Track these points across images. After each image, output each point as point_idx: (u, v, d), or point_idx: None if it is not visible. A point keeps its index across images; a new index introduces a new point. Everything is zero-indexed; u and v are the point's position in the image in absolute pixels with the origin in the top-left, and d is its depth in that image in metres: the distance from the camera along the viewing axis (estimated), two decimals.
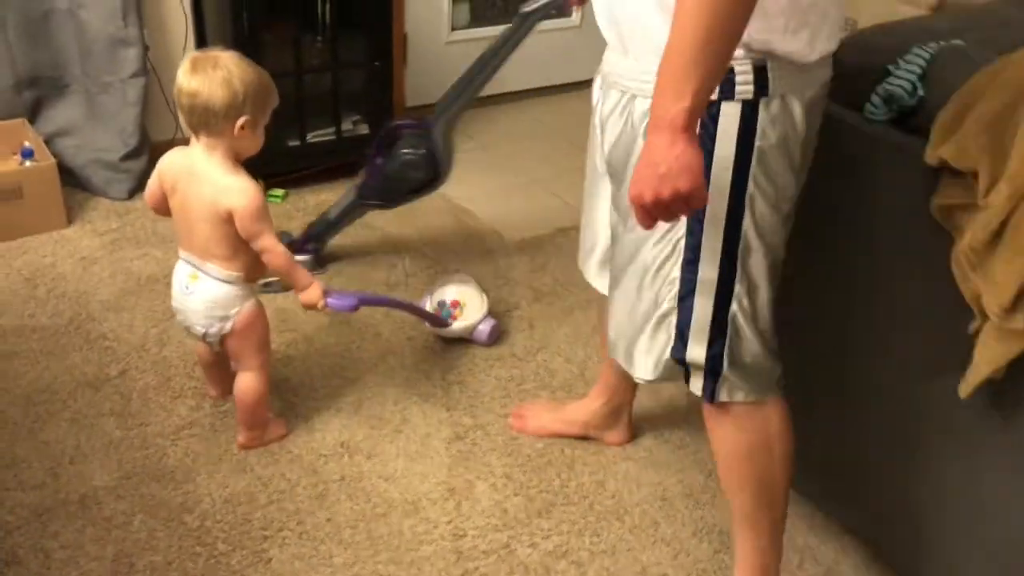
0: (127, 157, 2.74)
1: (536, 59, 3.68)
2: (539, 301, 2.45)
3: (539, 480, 1.87)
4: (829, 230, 1.55)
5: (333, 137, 2.88)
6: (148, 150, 2.81)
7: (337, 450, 1.91)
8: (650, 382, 1.45)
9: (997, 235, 1.27)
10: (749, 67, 1.23)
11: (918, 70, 1.43)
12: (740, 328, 1.36)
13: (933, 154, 1.33)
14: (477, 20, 3.54)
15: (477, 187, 3.02)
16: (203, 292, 1.78)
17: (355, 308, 1.84)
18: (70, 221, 2.63)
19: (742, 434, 1.46)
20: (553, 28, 3.69)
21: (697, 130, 1.13)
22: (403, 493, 1.82)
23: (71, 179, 2.75)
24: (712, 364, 1.37)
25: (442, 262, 2.58)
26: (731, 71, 1.22)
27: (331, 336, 2.25)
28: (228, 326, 1.79)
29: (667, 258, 1.33)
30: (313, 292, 1.78)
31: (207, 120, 1.66)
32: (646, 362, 1.43)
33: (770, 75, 1.24)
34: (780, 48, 1.23)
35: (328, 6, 2.77)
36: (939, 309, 1.43)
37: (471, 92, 2.26)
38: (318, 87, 2.87)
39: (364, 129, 2.95)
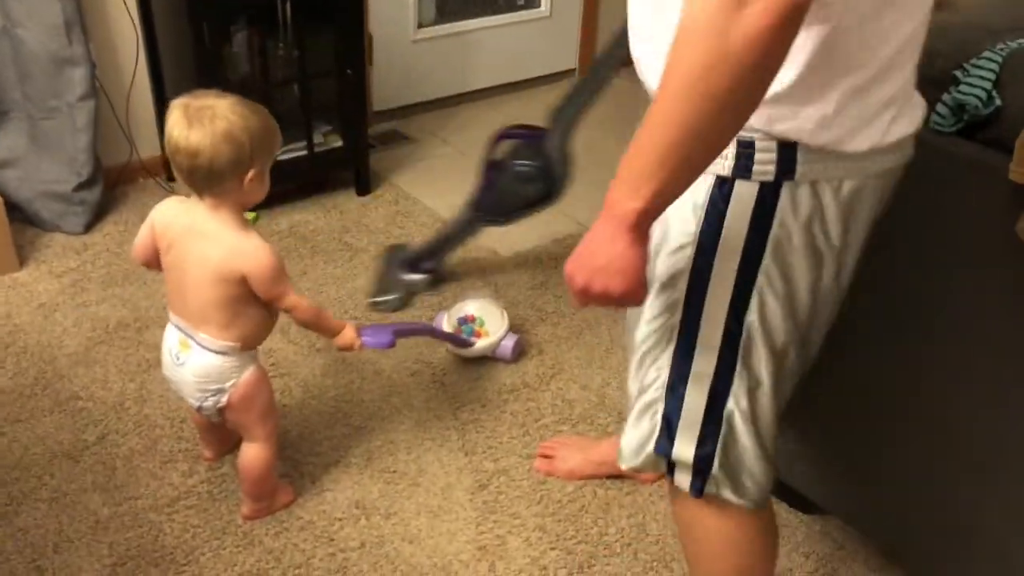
0: (80, 187, 2.50)
1: (505, 53, 3.51)
2: (544, 322, 2.30)
3: (575, 530, 1.73)
4: (896, 251, 1.43)
5: (305, 152, 2.68)
6: (102, 178, 2.58)
7: (352, 512, 1.74)
8: (630, 469, 1.25)
9: None
10: (773, 144, 1.01)
11: (991, 76, 1.30)
12: (736, 429, 1.16)
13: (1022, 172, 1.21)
14: (445, 15, 3.35)
15: (460, 195, 2.84)
16: (194, 363, 1.56)
17: (392, 343, 1.73)
18: (22, 263, 2.40)
19: (724, 527, 1.26)
20: (521, 20, 3.52)
21: (651, 232, 0.97)
22: (431, 557, 1.66)
23: (18, 215, 2.51)
24: (701, 465, 1.18)
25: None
26: (751, 144, 1.02)
27: (327, 378, 2.07)
28: (224, 399, 1.59)
29: (658, 342, 1.15)
30: (347, 334, 1.66)
31: (212, 179, 1.45)
32: (626, 448, 1.24)
33: (799, 156, 1.02)
34: (809, 140, 1.01)
35: (291, 11, 2.56)
36: (1022, 334, 1.32)
37: (588, 98, 2.08)
38: (286, 99, 2.67)
39: (336, 141, 2.75)
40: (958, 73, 1.34)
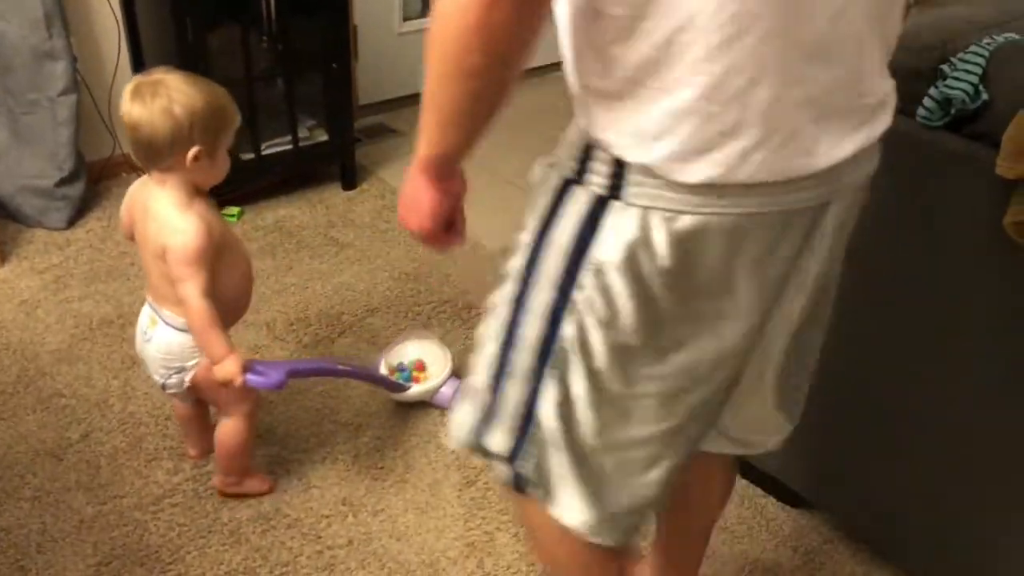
0: (63, 183, 2.47)
1: None
2: None
3: None
4: (883, 246, 1.43)
5: (290, 147, 2.66)
6: (85, 173, 2.55)
7: (339, 509, 1.73)
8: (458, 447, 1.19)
9: None
10: (610, 156, 0.92)
11: (978, 70, 1.30)
12: (547, 440, 1.06)
13: (1012, 168, 1.21)
14: (431, 7, 3.32)
15: None
16: (159, 340, 1.58)
17: (281, 385, 1.54)
18: (3, 259, 2.37)
19: (552, 523, 1.14)
20: None
21: (445, 180, 1.04)
22: (419, 554, 1.65)
23: None
24: (513, 462, 1.10)
25: (422, 280, 2.40)
26: (590, 151, 0.94)
27: None
28: (187, 378, 1.59)
29: (492, 330, 1.09)
30: (228, 366, 1.50)
31: (152, 155, 1.47)
32: (452, 426, 1.17)
33: (630, 176, 0.91)
34: (629, 157, 0.90)
35: (275, 5, 2.53)
36: (1010, 330, 1.32)
37: None
38: (270, 93, 2.64)
39: (322, 135, 2.73)
40: (945, 67, 1.33)
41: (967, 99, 1.30)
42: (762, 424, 1.23)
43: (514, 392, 1.07)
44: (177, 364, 1.59)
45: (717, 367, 1.05)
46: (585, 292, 0.98)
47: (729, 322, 1.01)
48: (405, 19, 3.26)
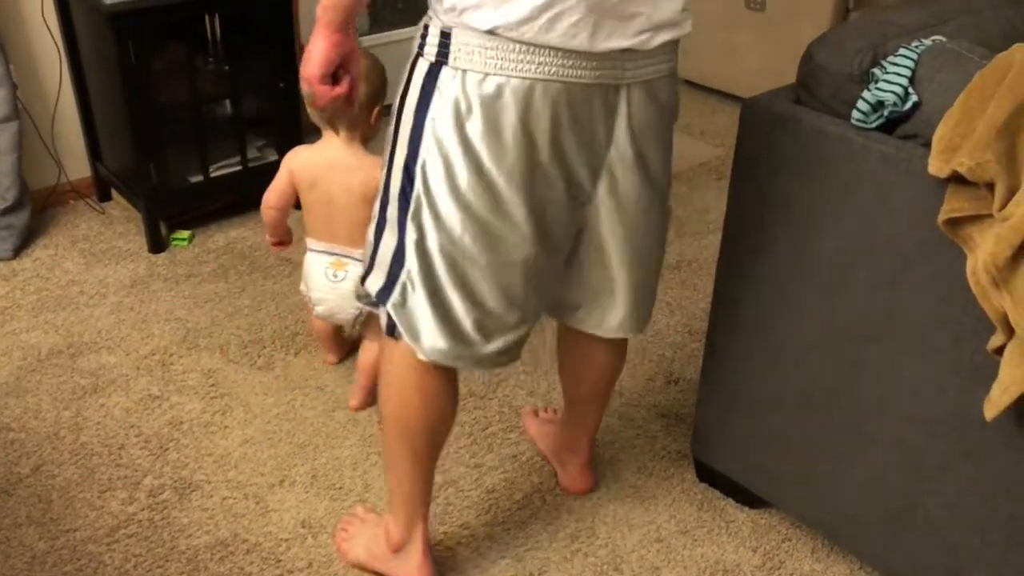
0: (7, 212, 2.43)
1: None
2: None
3: (525, 537, 1.72)
4: (823, 247, 1.45)
5: (239, 168, 2.64)
6: (30, 202, 2.51)
7: (298, 531, 1.71)
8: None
9: (1021, 250, 1.18)
10: (438, 28, 1.19)
11: (907, 72, 1.33)
12: (412, 277, 1.30)
13: (943, 166, 1.23)
14: (378, 24, 3.33)
15: None
16: (353, 278, 1.79)
17: None
18: None
19: (403, 363, 1.39)
20: None
21: (335, 33, 1.22)
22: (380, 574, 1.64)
23: None
24: (383, 302, 1.35)
25: None
26: (427, 27, 1.21)
27: (269, 396, 2.04)
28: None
29: (378, 191, 1.35)
30: None
31: (352, 117, 1.75)
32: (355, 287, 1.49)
33: (452, 41, 1.18)
34: (439, 10, 1.19)
35: (220, 25, 2.52)
36: (948, 325, 1.35)
37: None
38: (218, 114, 2.62)
39: (272, 155, 2.71)
40: (876, 71, 1.37)
41: (898, 101, 1.33)
42: (604, 302, 1.46)
43: (388, 239, 1.32)
44: None
45: (539, 232, 1.28)
46: (428, 148, 1.22)
47: (540, 188, 1.25)
48: None
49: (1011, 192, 1.20)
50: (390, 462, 1.51)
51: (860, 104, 1.37)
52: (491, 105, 1.18)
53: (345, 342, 2.12)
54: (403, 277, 1.31)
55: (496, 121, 1.19)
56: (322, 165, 1.83)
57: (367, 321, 1.90)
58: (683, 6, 1.24)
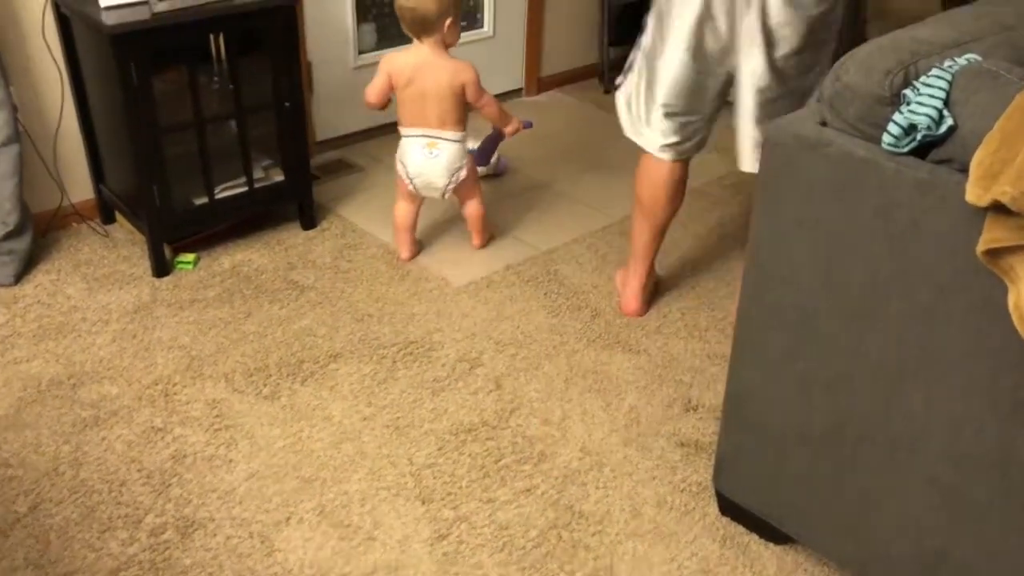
0: (8, 237, 2.38)
1: None
2: (501, 353, 2.23)
3: None
4: (854, 276, 1.38)
5: (245, 189, 2.58)
6: (32, 226, 2.46)
7: (305, 573, 1.65)
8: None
9: None
10: None
11: (941, 94, 1.26)
12: (637, 88, 2.13)
13: (982, 194, 1.16)
14: (386, 39, 3.27)
15: None
16: (444, 153, 2.42)
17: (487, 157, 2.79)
18: None
19: (642, 162, 2.22)
20: (464, 41, 3.44)
21: None
22: None
23: None
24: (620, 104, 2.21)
25: (385, 321, 2.33)
26: None
27: (275, 427, 1.98)
28: (463, 173, 2.45)
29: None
30: (515, 123, 2.60)
31: (425, 25, 2.32)
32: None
33: None
34: None
35: (224, 45, 2.47)
36: (987, 360, 1.28)
37: None
38: (223, 134, 2.57)
39: (279, 175, 2.66)
40: (908, 92, 1.30)
41: (932, 124, 1.26)
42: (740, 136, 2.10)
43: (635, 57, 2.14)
44: (458, 164, 2.44)
45: (704, 65, 2.01)
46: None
47: (710, 36, 1.97)
48: (360, 53, 3.20)
49: None
50: (631, 225, 2.33)
51: (891, 127, 1.30)
52: None
53: (416, 242, 2.60)
54: (631, 89, 2.15)
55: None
56: (415, 64, 2.36)
57: (458, 188, 2.48)
58: None
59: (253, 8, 2.38)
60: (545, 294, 2.46)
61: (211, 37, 2.45)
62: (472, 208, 2.57)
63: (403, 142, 2.45)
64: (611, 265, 2.59)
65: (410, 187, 2.48)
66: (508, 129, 2.56)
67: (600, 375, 2.16)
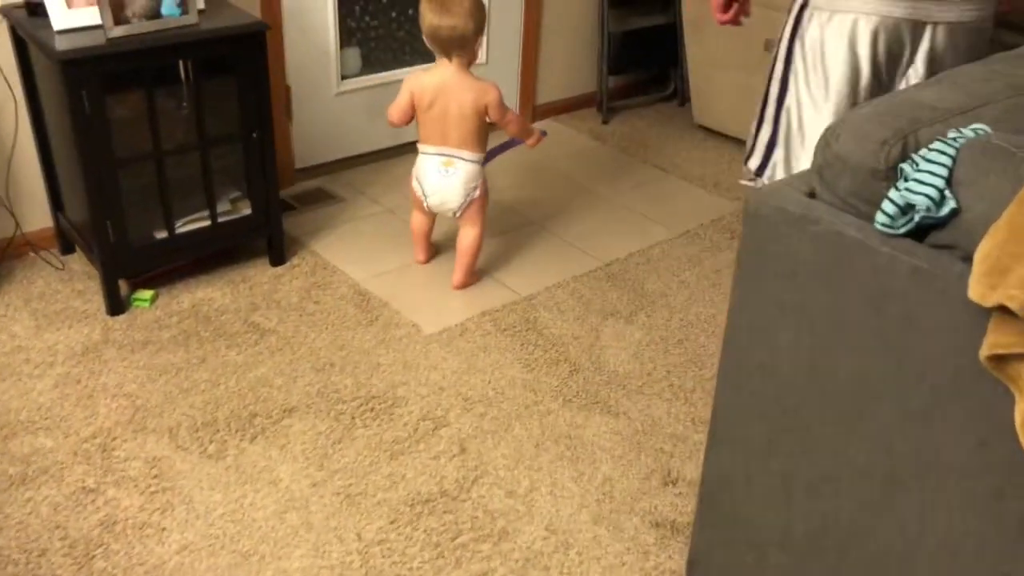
0: None
1: None
2: (468, 412, 2.07)
3: None
4: (842, 369, 1.22)
5: (208, 223, 2.44)
6: None
7: None
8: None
9: None
10: None
11: (944, 172, 1.11)
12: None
13: (988, 293, 1.00)
14: (370, 65, 3.13)
15: (385, 262, 2.62)
16: (462, 171, 2.39)
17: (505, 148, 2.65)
18: None
19: None
20: None
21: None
22: None
23: None
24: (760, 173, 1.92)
25: (348, 371, 2.18)
26: None
27: (216, 492, 1.82)
28: (476, 193, 2.42)
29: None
30: (536, 134, 2.57)
31: (463, 44, 2.30)
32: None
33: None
34: None
35: (188, 71, 2.33)
36: (990, 474, 1.12)
37: None
38: (188, 165, 2.43)
39: (246, 208, 2.51)
40: (906, 166, 1.14)
41: (931, 206, 1.10)
42: None
43: (764, 132, 1.90)
44: (472, 184, 2.41)
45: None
46: (797, 62, 1.80)
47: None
48: (343, 78, 3.06)
49: None
50: None
51: (886, 206, 1.14)
52: (830, 27, 1.74)
53: (432, 246, 2.63)
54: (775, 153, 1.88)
55: (830, 49, 1.75)
56: (438, 86, 2.34)
57: (467, 209, 2.43)
58: None
59: (218, 34, 2.24)
60: (521, 345, 2.30)
61: (172, 64, 2.31)
62: (469, 237, 2.47)
63: (420, 159, 2.43)
64: (594, 314, 2.43)
65: (425, 205, 2.46)
66: (530, 142, 2.55)
67: (574, 440, 2.00)
